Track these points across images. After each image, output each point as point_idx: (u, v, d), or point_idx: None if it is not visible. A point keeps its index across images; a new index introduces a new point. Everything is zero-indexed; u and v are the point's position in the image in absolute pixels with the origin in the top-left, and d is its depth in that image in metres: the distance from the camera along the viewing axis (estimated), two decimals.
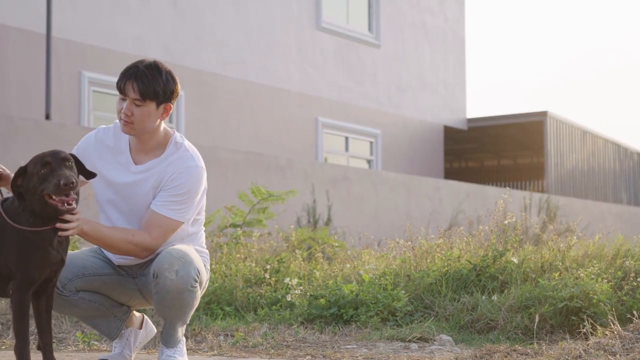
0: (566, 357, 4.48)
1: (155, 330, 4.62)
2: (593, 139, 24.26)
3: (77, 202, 3.82)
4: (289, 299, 6.47)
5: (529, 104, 72.13)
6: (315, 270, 6.99)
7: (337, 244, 8.69)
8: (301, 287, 6.60)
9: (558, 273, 6.26)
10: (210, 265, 6.70)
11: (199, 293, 4.14)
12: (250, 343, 5.37)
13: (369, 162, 19.77)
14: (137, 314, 4.52)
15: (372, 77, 19.55)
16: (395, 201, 16.42)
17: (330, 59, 18.58)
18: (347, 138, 19.18)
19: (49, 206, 3.76)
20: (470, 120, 22.34)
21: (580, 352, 4.47)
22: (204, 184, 4.20)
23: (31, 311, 3.89)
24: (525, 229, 9.21)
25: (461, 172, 26.09)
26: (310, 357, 4.95)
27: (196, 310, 6.19)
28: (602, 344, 4.62)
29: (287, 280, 6.75)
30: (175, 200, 4.09)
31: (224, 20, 16.30)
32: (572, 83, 76.27)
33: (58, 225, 3.81)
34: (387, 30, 19.89)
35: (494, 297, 6.02)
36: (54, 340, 5.73)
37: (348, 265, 6.93)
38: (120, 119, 4.10)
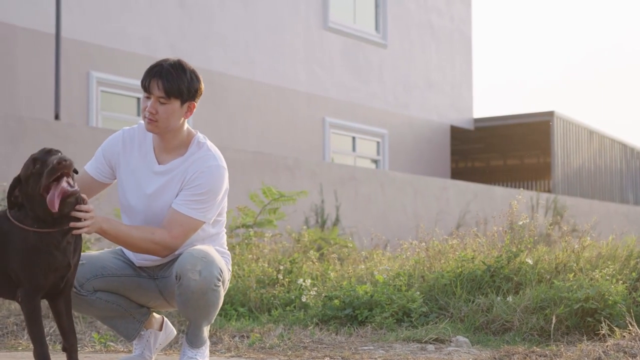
0: (585, 358, 4.48)
1: (175, 332, 4.62)
2: (599, 138, 24.24)
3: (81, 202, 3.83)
4: (303, 299, 6.47)
5: (535, 103, 72.10)
6: (329, 271, 6.98)
7: (350, 245, 8.67)
8: (315, 288, 6.59)
9: (572, 274, 6.25)
10: None
11: (223, 292, 4.14)
12: (267, 344, 5.37)
13: (375, 162, 19.77)
14: (157, 315, 4.51)
15: (378, 77, 19.54)
16: (402, 201, 16.42)
17: (337, 59, 18.58)
18: (354, 138, 19.18)
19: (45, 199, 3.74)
20: (476, 120, 22.32)
21: (599, 354, 4.47)
22: (226, 184, 4.21)
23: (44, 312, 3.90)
24: (533, 230, 9.20)
25: (467, 172, 26.07)
26: (328, 358, 4.95)
27: None
28: (621, 346, 4.61)
29: (300, 281, 6.75)
30: (197, 199, 4.09)
31: (231, 20, 16.30)
32: (578, 82, 76.22)
33: (72, 224, 3.81)
34: (394, 30, 19.88)
35: (509, 298, 6.01)
36: None
37: (362, 267, 6.92)
38: (144, 117, 4.12)
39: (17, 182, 3.81)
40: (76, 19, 13.76)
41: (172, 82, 4.05)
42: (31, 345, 5.48)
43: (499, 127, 23.09)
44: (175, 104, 4.08)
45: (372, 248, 9.29)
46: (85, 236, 9.40)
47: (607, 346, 4.64)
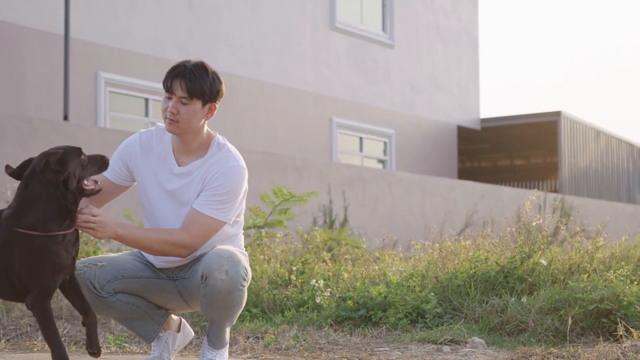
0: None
1: (193, 334, 4.61)
2: (606, 138, 24.21)
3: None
4: (318, 300, 6.46)
5: (542, 103, 71.99)
6: (343, 272, 6.97)
7: (363, 245, 8.66)
8: (329, 289, 6.58)
9: (587, 275, 6.23)
10: None
11: (246, 293, 4.14)
12: (283, 345, 5.36)
13: (382, 162, 19.76)
14: (174, 317, 4.51)
15: (386, 77, 19.53)
16: (410, 201, 16.41)
17: (344, 59, 18.57)
18: (361, 138, 19.17)
19: (81, 192, 3.83)
20: (483, 120, 22.31)
21: (617, 355, 4.46)
22: (246, 184, 4.21)
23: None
24: (529, 231, 9.19)
25: (474, 172, 26.05)
26: (346, 359, 4.94)
27: None
28: (639, 347, 4.60)
29: (313, 282, 6.74)
30: (218, 199, 4.09)
31: (239, 21, 16.30)
32: (585, 82, 76.13)
33: (77, 225, 3.86)
34: (401, 30, 19.87)
35: (523, 299, 6.00)
36: (83, 342, 5.74)
37: (376, 267, 6.91)
38: (165, 117, 4.12)
39: (59, 164, 3.80)
40: (84, 19, 13.76)
41: (195, 82, 4.05)
42: (47, 347, 5.49)
43: (505, 127, 23.08)
44: (197, 104, 4.08)
45: (381, 248, 9.29)
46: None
47: (625, 347, 4.63)
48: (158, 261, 4.25)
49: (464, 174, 24.44)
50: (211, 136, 4.24)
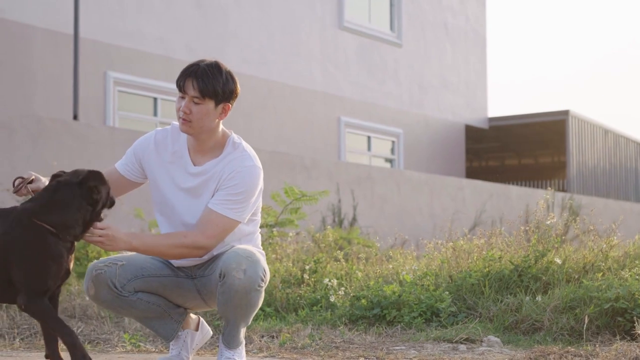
0: (622, 359, 4.45)
1: (211, 333, 4.60)
2: (615, 137, 24.17)
3: None
4: (332, 299, 6.45)
5: (550, 102, 71.81)
6: (357, 271, 6.96)
7: (376, 245, 8.64)
8: (343, 288, 6.57)
9: (601, 273, 6.22)
10: None
11: (263, 293, 4.13)
12: (299, 344, 5.35)
13: (390, 161, 19.75)
14: (193, 316, 4.50)
15: (394, 76, 19.52)
16: (418, 201, 16.39)
17: (352, 58, 18.56)
18: (369, 137, 19.16)
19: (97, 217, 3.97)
20: (491, 120, 22.29)
21: (636, 354, 4.44)
22: (261, 183, 4.20)
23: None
24: (543, 230, 9.18)
25: (481, 171, 26.02)
26: (363, 358, 4.93)
27: None
28: None
29: (326, 281, 6.73)
30: (233, 199, 4.08)
31: (247, 20, 16.30)
32: (594, 81, 75.96)
33: (87, 238, 3.94)
34: (409, 29, 19.86)
35: (538, 298, 5.98)
36: (98, 341, 5.75)
37: (390, 266, 6.90)
38: (178, 117, 4.11)
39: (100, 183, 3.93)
40: (93, 19, 13.77)
41: (207, 82, 4.04)
42: (61, 345, 5.48)
43: (513, 127, 23.05)
44: (210, 104, 4.07)
45: (390, 247, 9.28)
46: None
47: None
48: (176, 260, 4.24)
49: (472, 173, 24.42)
50: (226, 135, 4.23)
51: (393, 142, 19.66)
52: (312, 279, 6.92)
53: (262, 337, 5.73)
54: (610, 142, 23.91)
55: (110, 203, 4.01)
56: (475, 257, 6.68)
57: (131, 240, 3.96)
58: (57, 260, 3.83)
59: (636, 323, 5.32)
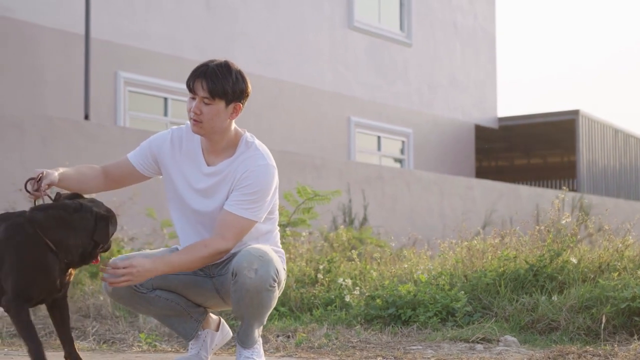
0: None
1: (232, 334, 4.58)
2: (625, 137, 24.11)
3: None
4: (347, 299, 6.43)
5: (560, 100, 71.58)
6: (372, 271, 6.95)
7: (391, 244, 8.62)
8: (358, 288, 6.56)
9: (617, 273, 6.19)
10: None
11: (277, 293, 4.11)
12: (315, 344, 5.34)
13: (400, 161, 19.72)
14: (213, 316, 4.49)
15: (403, 76, 19.50)
16: (428, 201, 16.37)
17: (362, 58, 18.54)
18: (379, 137, 19.14)
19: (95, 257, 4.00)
20: (501, 119, 22.24)
21: None
22: (276, 182, 4.18)
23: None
24: (558, 229, 9.16)
25: (491, 171, 25.98)
26: (381, 358, 4.92)
27: None
28: None
29: (340, 280, 6.72)
30: (248, 199, 4.06)
31: (256, 20, 16.29)
32: (604, 79, 75.79)
33: (104, 278, 3.92)
34: (419, 29, 19.83)
35: (554, 298, 5.96)
36: (113, 341, 5.74)
37: (405, 266, 6.88)
38: (189, 118, 4.09)
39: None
40: (103, 19, 13.78)
41: (217, 82, 4.01)
42: (78, 345, 5.48)
43: (523, 126, 23.01)
44: (220, 104, 4.04)
45: (401, 247, 9.26)
46: (117, 235, 9.42)
47: None
48: None
49: (481, 173, 24.38)
50: (239, 134, 4.21)
51: (403, 142, 19.64)
52: (326, 279, 6.90)
53: (278, 336, 5.72)
54: (620, 142, 23.86)
55: (108, 247, 4.01)
56: (489, 257, 6.66)
57: (157, 267, 3.94)
58: (46, 273, 3.82)
59: None
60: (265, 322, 4.23)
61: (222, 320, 4.52)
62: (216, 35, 15.53)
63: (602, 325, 5.47)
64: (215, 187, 4.14)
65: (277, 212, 4.30)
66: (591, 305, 5.77)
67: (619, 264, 6.36)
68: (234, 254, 4.12)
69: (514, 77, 65.59)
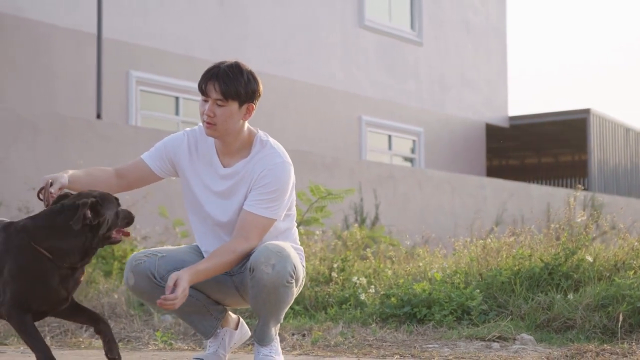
0: None
1: (250, 333, 4.57)
2: (636, 136, 24.05)
3: None
4: (362, 298, 6.43)
5: (571, 99, 71.37)
6: (387, 269, 6.94)
7: (406, 242, 8.61)
8: (373, 286, 6.55)
9: (633, 271, 6.17)
10: None
11: (295, 290, 4.10)
12: (332, 342, 5.34)
13: (411, 160, 19.72)
14: (232, 315, 4.49)
15: (414, 75, 19.49)
16: (440, 199, 16.36)
17: (373, 57, 18.54)
18: (390, 136, 19.14)
19: (107, 239, 3.93)
20: (512, 118, 22.21)
21: None
22: (293, 178, 4.19)
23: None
24: (579, 227, 9.13)
25: (502, 170, 25.94)
26: (398, 356, 4.91)
27: None
28: None
29: (355, 279, 6.71)
30: (267, 198, 4.07)
31: (268, 19, 16.31)
32: (616, 78, 75.57)
33: (160, 300, 3.85)
34: (429, 28, 19.82)
35: (570, 296, 5.94)
36: (129, 339, 5.75)
37: (420, 264, 6.87)
38: (203, 121, 4.08)
39: (89, 207, 3.80)
40: (115, 18, 13.80)
41: (229, 84, 4.00)
42: (94, 343, 5.50)
43: (534, 125, 22.96)
44: (233, 106, 4.04)
45: (414, 246, 9.25)
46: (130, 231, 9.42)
47: None
48: None
49: (492, 171, 24.35)
50: (253, 134, 4.21)
51: (414, 141, 19.63)
52: (341, 278, 6.90)
53: (293, 334, 5.72)
54: (631, 140, 23.80)
55: (127, 222, 3.96)
56: (504, 255, 6.65)
57: (191, 279, 3.93)
58: (47, 286, 3.76)
59: None
60: (282, 320, 4.23)
61: (241, 319, 4.52)
62: (228, 34, 15.55)
63: (619, 323, 5.45)
64: (233, 189, 4.14)
65: (294, 209, 4.30)
66: (607, 303, 5.75)
67: (635, 262, 6.34)
68: (253, 251, 4.12)
69: (524, 74, 65.49)
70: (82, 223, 3.76)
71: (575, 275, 6.24)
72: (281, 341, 5.48)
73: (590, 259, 6.31)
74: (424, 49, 19.66)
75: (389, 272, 6.84)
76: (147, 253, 4.17)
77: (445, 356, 4.88)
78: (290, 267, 4.02)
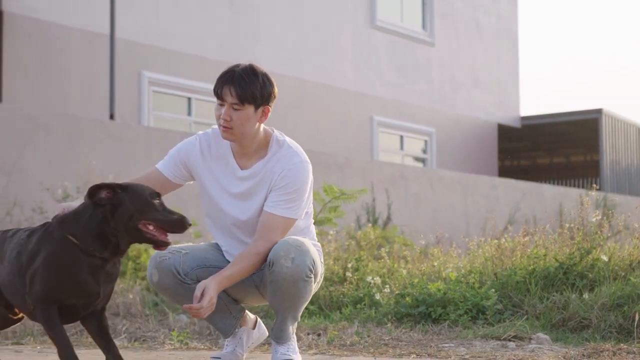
0: None
1: (267, 334, 4.58)
2: None
3: None
4: (377, 297, 6.43)
5: (583, 99, 71.16)
6: (402, 269, 6.94)
7: (421, 242, 8.61)
8: (388, 286, 6.56)
9: None
10: None
11: (313, 286, 4.11)
12: (348, 342, 5.34)
13: (422, 160, 19.70)
14: (251, 315, 4.50)
15: (426, 75, 19.47)
16: (451, 200, 16.34)
17: (384, 57, 18.54)
18: (401, 136, 19.13)
19: (138, 232, 3.74)
20: (523, 118, 22.18)
21: None
22: (311, 177, 4.21)
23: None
24: (594, 226, 9.10)
25: (513, 170, 25.89)
26: (415, 355, 4.91)
27: None
28: None
29: (369, 278, 6.72)
30: (287, 198, 4.08)
31: (280, 19, 16.32)
32: (629, 78, 75.33)
33: (186, 307, 3.84)
34: (441, 28, 19.81)
35: (585, 295, 5.93)
36: (144, 339, 5.76)
37: (435, 264, 6.87)
38: (219, 125, 4.08)
39: (105, 186, 3.75)
40: (128, 19, 13.83)
41: (245, 87, 4.00)
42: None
43: (546, 125, 22.91)
44: (250, 109, 4.04)
45: (427, 246, 9.24)
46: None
47: None
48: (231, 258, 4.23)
49: (504, 172, 24.31)
50: (269, 134, 4.21)
51: (425, 141, 19.62)
52: (355, 277, 6.90)
53: (308, 334, 5.73)
54: None
55: (169, 223, 3.78)
56: (519, 255, 6.64)
57: (219, 287, 3.94)
58: (75, 274, 3.70)
59: None
60: (299, 318, 4.23)
61: (258, 319, 4.54)
62: (240, 35, 15.57)
63: (635, 322, 5.44)
64: (252, 190, 4.14)
65: (311, 206, 4.32)
66: (623, 303, 5.74)
67: None
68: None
69: (536, 74, 65.35)
70: (92, 199, 3.71)
71: (590, 275, 6.24)
72: (297, 340, 5.49)
73: (605, 258, 6.31)
74: (435, 49, 19.65)
75: (404, 272, 6.84)
76: (171, 250, 4.17)
77: (462, 355, 4.88)
78: (310, 262, 4.03)
